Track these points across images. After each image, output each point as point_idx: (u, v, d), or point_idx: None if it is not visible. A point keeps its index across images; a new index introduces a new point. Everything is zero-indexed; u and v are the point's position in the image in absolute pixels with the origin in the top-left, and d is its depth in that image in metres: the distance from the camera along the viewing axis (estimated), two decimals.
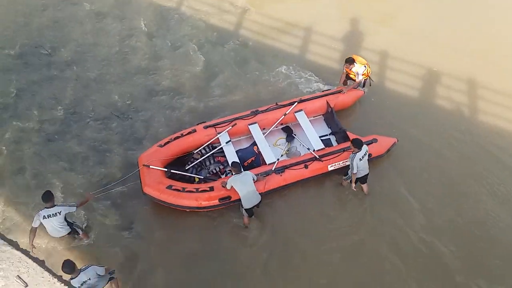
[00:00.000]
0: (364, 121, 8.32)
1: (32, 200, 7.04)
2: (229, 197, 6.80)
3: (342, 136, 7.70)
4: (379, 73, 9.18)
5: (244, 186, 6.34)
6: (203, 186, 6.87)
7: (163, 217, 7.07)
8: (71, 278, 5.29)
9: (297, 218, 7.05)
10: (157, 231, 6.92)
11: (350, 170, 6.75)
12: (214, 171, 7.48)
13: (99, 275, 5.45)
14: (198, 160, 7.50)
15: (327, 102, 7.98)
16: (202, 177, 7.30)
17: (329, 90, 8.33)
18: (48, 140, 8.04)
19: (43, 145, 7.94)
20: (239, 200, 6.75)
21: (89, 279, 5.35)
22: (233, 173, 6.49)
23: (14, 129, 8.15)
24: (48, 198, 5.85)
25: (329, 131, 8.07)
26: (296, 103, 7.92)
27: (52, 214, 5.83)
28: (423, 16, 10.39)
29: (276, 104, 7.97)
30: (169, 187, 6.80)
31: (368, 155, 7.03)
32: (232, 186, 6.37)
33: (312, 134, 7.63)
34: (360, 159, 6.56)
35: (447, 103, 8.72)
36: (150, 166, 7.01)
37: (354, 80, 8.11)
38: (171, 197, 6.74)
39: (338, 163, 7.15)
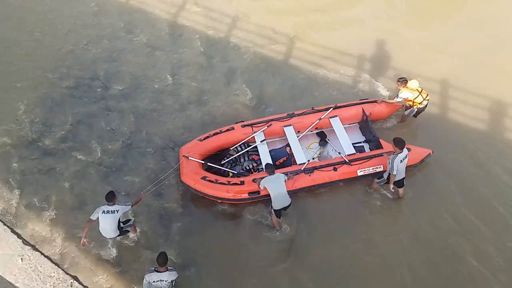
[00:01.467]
0: (400, 133, 8.29)
1: (91, 235, 6.84)
2: (258, 192, 7.14)
3: (375, 144, 7.79)
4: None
5: (276, 188, 6.60)
6: (235, 180, 7.29)
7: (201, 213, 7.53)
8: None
9: (326, 220, 7.26)
10: (190, 231, 7.32)
11: (388, 171, 6.77)
12: (248, 168, 7.87)
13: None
14: (233, 156, 7.95)
15: (363, 110, 8.12)
16: (236, 172, 7.73)
17: (366, 99, 8.46)
18: (107, 173, 8.07)
19: (102, 178, 7.98)
20: (268, 195, 7.13)
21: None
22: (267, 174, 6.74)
23: (74, 162, 8.22)
24: (111, 197, 6.28)
25: (363, 138, 8.18)
26: (332, 108, 8.15)
27: (111, 210, 6.21)
28: (478, 42, 10.09)
29: (312, 109, 8.25)
30: (204, 178, 7.30)
31: None
32: (264, 187, 6.67)
33: (344, 139, 7.80)
34: (401, 161, 6.62)
35: (484, 125, 8.48)
36: (189, 158, 7.57)
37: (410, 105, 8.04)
38: (205, 187, 7.22)
39: (368, 168, 7.26)
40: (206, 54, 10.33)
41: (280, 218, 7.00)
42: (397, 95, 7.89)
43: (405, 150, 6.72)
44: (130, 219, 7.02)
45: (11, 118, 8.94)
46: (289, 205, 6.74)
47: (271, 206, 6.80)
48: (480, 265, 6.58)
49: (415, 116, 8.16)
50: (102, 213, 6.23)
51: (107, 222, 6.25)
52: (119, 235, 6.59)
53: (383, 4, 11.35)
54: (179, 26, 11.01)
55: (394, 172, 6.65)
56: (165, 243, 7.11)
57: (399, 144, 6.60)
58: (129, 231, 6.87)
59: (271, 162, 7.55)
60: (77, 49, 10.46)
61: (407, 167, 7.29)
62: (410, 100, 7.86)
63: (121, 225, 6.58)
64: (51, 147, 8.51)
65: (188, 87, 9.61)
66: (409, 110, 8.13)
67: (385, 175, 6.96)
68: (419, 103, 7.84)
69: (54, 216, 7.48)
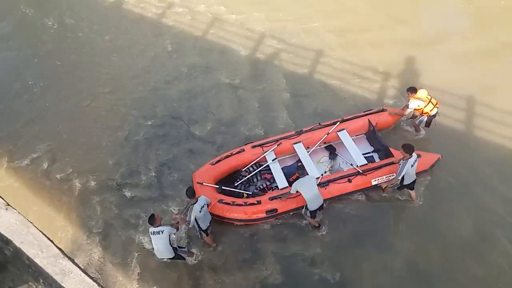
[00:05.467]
0: (408, 140, 8.42)
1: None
2: (275, 210, 7.19)
3: (384, 153, 7.91)
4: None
5: (309, 189, 6.69)
6: (251, 200, 7.33)
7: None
8: (192, 204, 6.53)
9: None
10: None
11: (398, 175, 6.87)
12: (261, 187, 7.93)
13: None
14: (246, 177, 8.01)
15: (369, 121, 8.28)
16: (251, 193, 7.77)
17: (371, 110, 8.63)
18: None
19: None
20: (286, 212, 7.20)
21: (205, 204, 6.68)
22: (299, 177, 6.77)
23: (159, 210, 7.89)
24: (152, 220, 6.39)
25: (371, 149, 8.30)
26: (339, 122, 8.30)
27: (157, 231, 6.37)
28: None
29: (319, 124, 8.40)
30: (220, 201, 7.33)
31: None
32: (297, 190, 6.74)
33: (355, 151, 7.91)
34: (412, 165, 6.76)
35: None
36: (203, 184, 7.62)
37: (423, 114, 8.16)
38: (222, 211, 7.25)
39: (382, 177, 7.35)
40: (290, 92, 9.92)
41: (315, 218, 7.08)
42: (407, 104, 8.05)
43: (414, 155, 6.83)
44: (184, 247, 7.03)
45: (98, 161, 8.87)
46: (323, 204, 6.86)
47: (306, 208, 6.88)
48: None
49: (427, 125, 8.23)
50: (151, 234, 6.47)
51: (157, 243, 6.45)
52: (174, 258, 6.70)
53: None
54: (260, 61, 10.81)
55: (399, 177, 6.83)
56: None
57: (408, 149, 6.74)
58: (185, 259, 7.00)
59: (285, 179, 7.64)
60: (160, 88, 10.38)
61: (418, 172, 7.42)
62: (420, 109, 7.99)
63: (176, 247, 6.72)
64: (136, 194, 8.25)
65: (273, 126, 9.16)
66: (418, 119, 8.24)
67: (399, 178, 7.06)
68: (429, 111, 7.96)
69: (138, 276, 7.13)
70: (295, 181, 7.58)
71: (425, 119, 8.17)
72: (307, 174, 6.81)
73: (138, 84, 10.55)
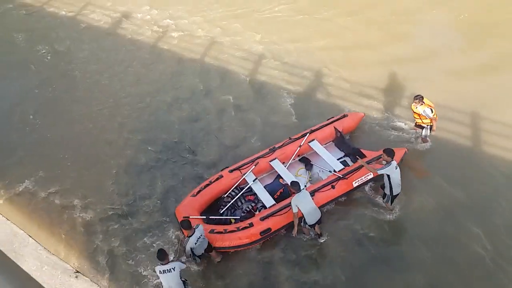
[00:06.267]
0: (369, 140, 9.02)
1: None
2: (269, 229, 7.19)
3: (356, 155, 8.31)
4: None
5: (306, 204, 6.78)
6: (243, 224, 7.25)
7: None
8: (188, 236, 6.38)
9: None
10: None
11: (390, 186, 7.11)
12: (248, 209, 7.88)
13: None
14: (230, 203, 7.92)
15: (335, 128, 8.69)
16: (238, 217, 7.69)
17: (333, 117, 9.05)
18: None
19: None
20: (279, 230, 7.24)
21: (201, 235, 6.53)
22: (294, 192, 6.85)
23: (167, 239, 7.77)
24: (162, 255, 6.16)
25: (342, 154, 8.68)
26: (308, 134, 8.60)
27: (167, 269, 6.10)
28: None
29: (290, 138, 8.62)
30: (212, 231, 7.15)
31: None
32: (297, 207, 6.76)
33: (329, 158, 8.23)
34: (396, 168, 7.01)
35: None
36: (190, 217, 7.39)
37: (420, 124, 8.36)
38: (215, 241, 7.08)
39: (361, 178, 7.71)
40: (298, 116, 9.87)
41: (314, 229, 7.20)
42: (423, 111, 8.01)
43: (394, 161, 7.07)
44: (187, 281, 6.72)
45: (100, 190, 8.74)
46: (321, 217, 6.96)
47: (305, 222, 6.96)
48: None
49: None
50: (160, 273, 6.11)
51: (168, 281, 6.16)
52: None
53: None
54: (260, 83, 10.91)
55: (379, 172, 7.06)
56: None
57: (390, 153, 7.00)
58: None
59: (270, 197, 7.69)
60: (160, 111, 10.41)
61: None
62: (424, 118, 8.09)
63: (184, 280, 6.49)
64: (142, 222, 8.09)
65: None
66: (425, 130, 8.41)
67: (387, 191, 7.30)
68: (434, 120, 8.15)
69: None
70: (280, 198, 7.78)
71: (430, 128, 8.33)
72: (302, 189, 6.89)
73: (138, 110, 10.54)
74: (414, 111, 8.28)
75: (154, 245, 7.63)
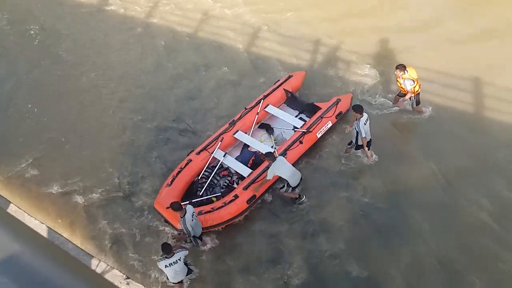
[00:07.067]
0: (316, 91, 9.54)
1: None
2: (254, 196, 7.39)
3: (310, 109, 8.80)
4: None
5: (285, 168, 7.00)
6: (228, 198, 7.35)
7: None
8: (182, 217, 6.42)
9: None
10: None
11: (357, 137, 7.38)
12: (225, 185, 7.97)
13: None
14: (207, 183, 7.91)
15: (285, 90, 9.05)
16: (219, 194, 7.75)
17: (279, 80, 9.37)
18: None
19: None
20: (262, 195, 7.47)
21: (193, 212, 6.68)
22: (270, 162, 7.02)
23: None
24: (168, 249, 6.12)
25: (296, 112, 9.11)
26: (262, 100, 8.84)
27: (173, 262, 6.13)
28: None
29: (246, 109, 8.79)
30: (200, 213, 7.14)
31: (339, 113, 8.34)
32: (274, 175, 6.97)
33: (288, 117, 8.60)
34: (365, 123, 7.26)
35: None
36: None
37: (402, 92, 8.13)
38: (206, 221, 7.10)
39: (322, 128, 8.23)
40: None
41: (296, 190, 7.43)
42: (403, 83, 7.82)
43: (365, 114, 7.35)
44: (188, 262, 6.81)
45: (99, 171, 8.73)
46: (301, 178, 7.23)
47: (288, 185, 7.18)
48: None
49: (417, 104, 8.18)
50: (167, 267, 6.05)
51: (176, 270, 6.23)
52: (187, 273, 6.60)
53: None
54: (256, 54, 10.63)
55: (363, 135, 7.25)
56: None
57: (358, 109, 7.20)
58: (192, 270, 6.74)
59: (246, 167, 7.85)
60: (158, 90, 10.23)
61: (345, 113, 8.55)
62: (412, 90, 7.84)
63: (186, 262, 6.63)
64: (144, 201, 8.14)
65: None
66: (407, 101, 8.18)
67: (354, 140, 7.61)
68: (418, 90, 7.96)
69: None
70: (254, 165, 7.99)
71: (415, 99, 8.15)
72: (276, 157, 7.10)
73: (136, 87, 10.40)
74: (397, 79, 8.03)
75: (154, 225, 7.79)
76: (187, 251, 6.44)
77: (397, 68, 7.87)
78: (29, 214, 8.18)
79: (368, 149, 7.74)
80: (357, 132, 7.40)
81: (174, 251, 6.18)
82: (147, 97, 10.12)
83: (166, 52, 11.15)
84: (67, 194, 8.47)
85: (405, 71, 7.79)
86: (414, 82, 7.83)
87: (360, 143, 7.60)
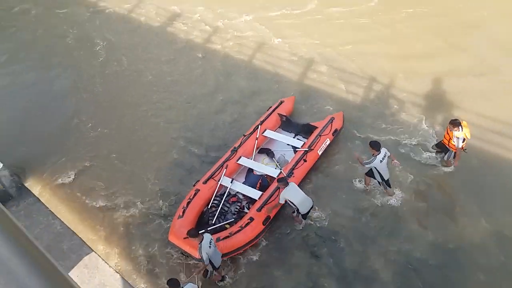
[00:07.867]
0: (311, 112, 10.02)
1: None
2: (268, 217, 7.48)
3: (306, 130, 9.17)
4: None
5: (297, 194, 7.11)
6: (244, 222, 7.38)
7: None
8: (200, 243, 6.37)
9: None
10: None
11: (379, 173, 7.32)
12: (237, 211, 8.01)
13: None
14: (218, 211, 7.92)
15: (279, 114, 9.42)
16: (232, 220, 7.77)
17: (271, 106, 9.75)
18: None
19: None
20: (275, 216, 7.58)
21: (212, 240, 6.53)
22: (283, 187, 7.09)
23: None
24: (175, 284, 5.92)
25: (292, 134, 9.45)
26: (259, 125, 9.13)
27: None
28: None
29: (244, 136, 9.03)
30: (218, 239, 7.11)
31: (335, 130, 8.78)
32: (285, 199, 7.07)
33: (288, 139, 8.93)
34: (381, 161, 7.14)
35: None
36: (188, 238, 7.17)
37: (445, 144, 7.80)
38: (227, 247, 7.07)
39: (322, 145, 8.59)
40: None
41: (305, 219, 7.57)
42: (455, 141, 7.45)
43: (382, 150, 7.19)
44: None
45: (141, 190, 8.90)
46: (312, 205, 7.35)
47: (297, 212, 7.29)
48: None
49: (454, 158, 7.95)
50: None
51: None
52: None
53: None
54: (308, 85, 10.75)
55: (367, 166, 7.31)
56: None
57: (375, 146, 7.11)
58: None
59: (255, 190, 7.98)
60: (209, 114, 10.48)
61: (340, 130, 8.97)
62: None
63: None
64: None
65: None
66: (448, 153, 7.95)
67: (378, 179, 7.56)
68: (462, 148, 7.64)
69: None
70: (262, 187, 8.15)
71: (453, 155, 7.89)
72: (289, 183, 7.18)
73: (190, 108, 10.72)
74: (448, 132, 7.65)
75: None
76: (196, 286, 6.23)
77: (451, 123, 7.38)
78: (103, 260, 7.87)
79: (389, 187, 7.70)
80: (376, 169, 7.28)
81: (183, 286, 6.01)
82: (197, 119, 10.40)
83: (223, 77, 11.52)
84: (110, 209, 8.61)
85: (460, 128, 7.33)
86: (464, 140, 7.48)
87: (386, 177, 7.42)
